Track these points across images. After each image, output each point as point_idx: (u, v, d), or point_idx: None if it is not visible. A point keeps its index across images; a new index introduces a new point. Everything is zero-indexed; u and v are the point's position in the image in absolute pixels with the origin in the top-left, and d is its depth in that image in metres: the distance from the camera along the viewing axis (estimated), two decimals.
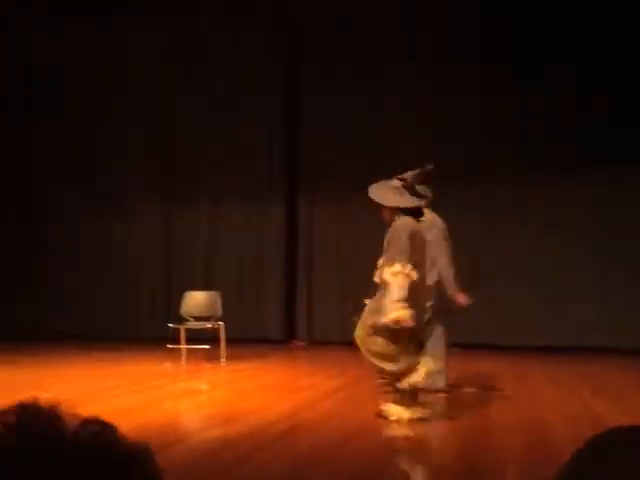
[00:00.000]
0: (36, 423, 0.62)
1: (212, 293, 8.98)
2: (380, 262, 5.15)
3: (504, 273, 9.65)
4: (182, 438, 4.89)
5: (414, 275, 4.93)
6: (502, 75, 9.71)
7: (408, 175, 5.21)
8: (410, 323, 4.86)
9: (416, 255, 5.03)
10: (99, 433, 0.63)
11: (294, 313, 10.65)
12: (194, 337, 8.64)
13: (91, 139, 11.04)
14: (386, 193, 5.21)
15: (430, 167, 5.25)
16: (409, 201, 5.16)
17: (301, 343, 10.40)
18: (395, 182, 5.19)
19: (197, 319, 8.74)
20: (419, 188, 5.27)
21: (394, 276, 4.88)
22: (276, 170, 10.68)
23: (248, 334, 10.11)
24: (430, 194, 5.49)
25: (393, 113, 9.98)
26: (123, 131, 10.93)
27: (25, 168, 11.44)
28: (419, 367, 5.08)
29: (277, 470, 4.03)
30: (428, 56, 9.80)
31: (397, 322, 4.85)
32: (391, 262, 4.95)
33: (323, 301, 10.40)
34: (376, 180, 5.43)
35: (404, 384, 5.07)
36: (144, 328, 10.48)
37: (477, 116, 9.77)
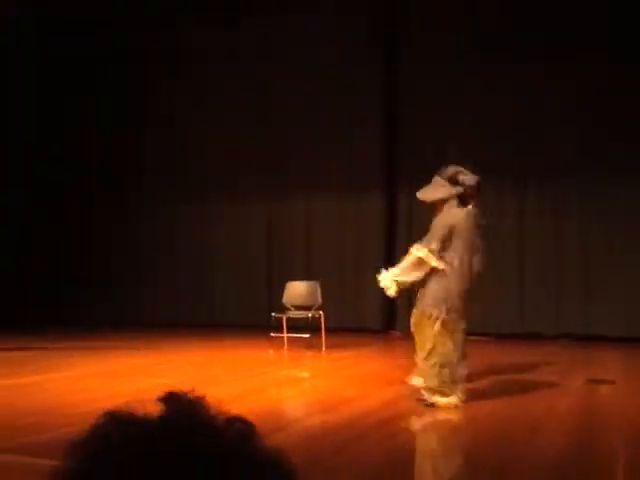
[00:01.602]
0: (187, 415, 0.64)
1: (312, 283, 9.16)
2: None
3: None
4: (284, 426, 5.05)
5: (432, 262, 5.23)
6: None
7: (451, 169, 5.45)
8: (391, 293, 5.39)
9: (461, 238, 5.27)
10: (244, 431, 0.65)
11: (393, 303, 10.67)
12: (296, 326, 8.84)
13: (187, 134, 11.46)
14: (427, 189, 5.54)
15: (477, 180, 5.44)
16: (443, 192, 5.38)
17: (399, 333, 10.43)
18: (437, 178, 5.48)
19: (298, 308, 8.94)
20: (461, 178, 5.40)
21: (411, 255, 5.31)
22: (375, 159, 10.70)
23: (347, 324, 10.24)
24: (473, 181, 5.45)
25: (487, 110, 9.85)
26: (219, 125, 11.27)
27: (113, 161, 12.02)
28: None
29: (375, 460, 4.11)
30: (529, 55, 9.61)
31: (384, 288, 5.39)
32: (424, 245, 5.31)
33: None
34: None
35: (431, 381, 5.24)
36: (249, 317, 10.82)
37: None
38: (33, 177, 12.33)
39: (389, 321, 10.60)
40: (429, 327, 5.27)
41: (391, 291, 5.41)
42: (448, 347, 5.24)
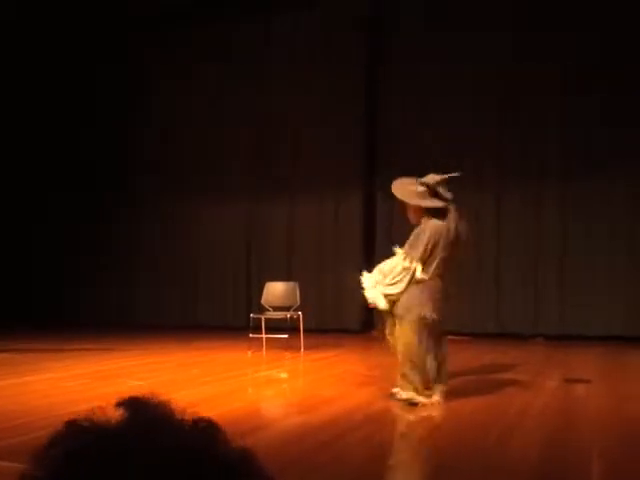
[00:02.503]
0: (150, 416, 0.64)
1: (291, 284, 9.16)
2: (401, 250, 5.44)
3: None
4: (264, 425, 5.05)
5: (420, 275, 5.26)
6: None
7: (431, 179, 5.43)
8: (373, 305, 5.41)
9: (442, 253, 5.29)
10: (207, 429, 0.65)
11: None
12: (275, 327, 8.84)
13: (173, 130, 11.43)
14: (411, 193, 5.47)
15: (458, 175, 5.48)
16: (430, 202, 5.39)
17: (377, 333, 10.46)
18: (419, 188, 5.43)
19: (277, 309, 8.94)
20: (442, 191, 5.43)
21: (400, 267, 5.31)
22: (355, 161, 10.74)
23: (326, 325, 10.27)
24: (450, 196, 5.51)
25: (469, 107, 9.92)
26: (201, 126, 11.27)
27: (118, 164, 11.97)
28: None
29: (356, 458, 4.13)
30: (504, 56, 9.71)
31: (371, 300, 5.39)
32: (405, 256, 5.33)
33: None
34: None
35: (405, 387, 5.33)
36: (228, 318, 10.82)
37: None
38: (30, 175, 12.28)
39: (367, 321, 10.63)
40: (403, 328, 5.31)
41: (381, 304, 5.38)
42: (423, 346, 5.29)
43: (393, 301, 5.38)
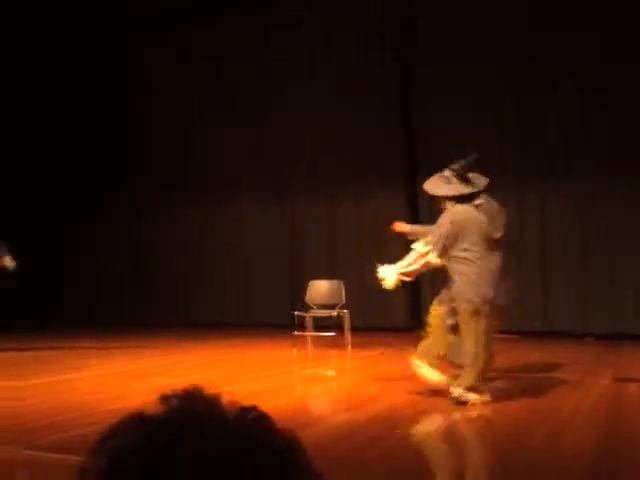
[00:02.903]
0: (199, 408, 0.65)
1: (335, 282, 9.15)
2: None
3: None
4: (312, 422, 5.07)
5: (435, 261, 5.30)
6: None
7: (456, 165, 5.45)
8: (386, 286, 5.50)
9: (471, 239, 5.26)
10: (256, 420, 0.66)
11: (418, 302, 10.64)
12: (320, 325, 8.85)
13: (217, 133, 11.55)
14: (437, 184, 5.53)
15: (473, 157, 5.50)
16: (455, 189, 5.39)
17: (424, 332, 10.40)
18: (446, 172, 5.48)
19: (321, 307, 8.95)
20: (472, 176, 5.43)
21: (415, 252, 5.41)
22: (396, 158, 10.69)
23: (372, 323, 10.24)
24: (483, 181, 5.50)
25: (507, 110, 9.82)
26: (242, 126, 11.35)
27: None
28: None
29: (403, 455, 4.12)
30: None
31: (380, 280, 5.49)
32: (427, 242, 5.37)
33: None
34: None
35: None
36: (272, 315, 10.87)
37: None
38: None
39: (414, 320, 10.57)
40: (464, 324, 5.25)
41: (387, 282, 5.53)
42: (481, 344, 5.22)
43: (402, 282, 5.56)
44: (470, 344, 5.20)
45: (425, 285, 10.53)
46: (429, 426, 4.94)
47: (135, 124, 12.09)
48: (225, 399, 0.67)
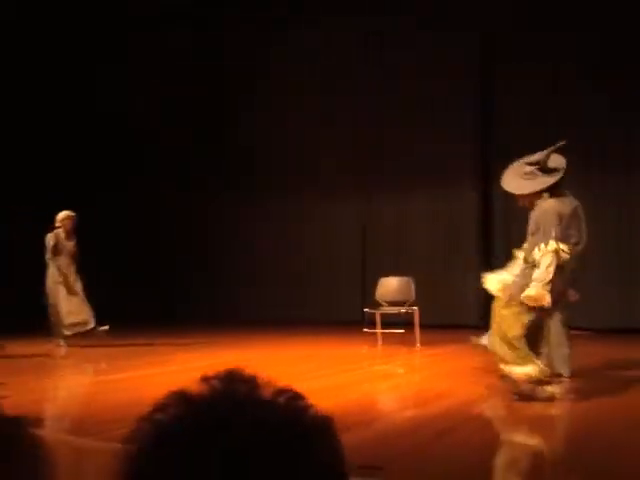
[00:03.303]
0: (239, 389, 0.70)
1: (405, 279, 9.14)
2: (526, 245, 5.16)
3: None
4: (378, 417, 5.10)
5: (565, 255, 4.94)
6: None
7: (538, 156, 5.17)
8: (546, 303, 4.89)
9: (571, 231, 5.04)
10: (292, 400, 0.70)
11: (489, 300, 10.48)
12: (389, 322, 8.85)
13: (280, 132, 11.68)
14: (519, 182, 5.22)
15: (562, 144, 5.19)
16: (542, 183, 5.11)
17: None
18: (527, 168, 5.17)
19: (391, 304, 8.95)
20: (553, 163, 5.14)
21: (545, 255, 4.93)
22: (469, 157, 10.59)
23: (442, 320, 10.16)
24: (562, 160, 5.21)
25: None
26: (312, 125, 11.45)
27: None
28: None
29: (469, 450, 4.10)
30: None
31: (534, 300, 4.93)
32: (546, 241, 4.96)
33: None
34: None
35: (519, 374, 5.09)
36: (342, 313, 10.93)
37: None
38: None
39: (486, 317, 10.43)
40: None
41: (492, 287, 5.35)
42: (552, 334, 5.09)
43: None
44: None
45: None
46: (496, 423, 4.89)
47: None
48: (262, 380, 0.72)
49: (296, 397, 0.71)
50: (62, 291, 8.93)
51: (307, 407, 0.71)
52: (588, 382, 5.87)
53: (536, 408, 5.07)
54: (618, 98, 9.45)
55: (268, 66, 11.88)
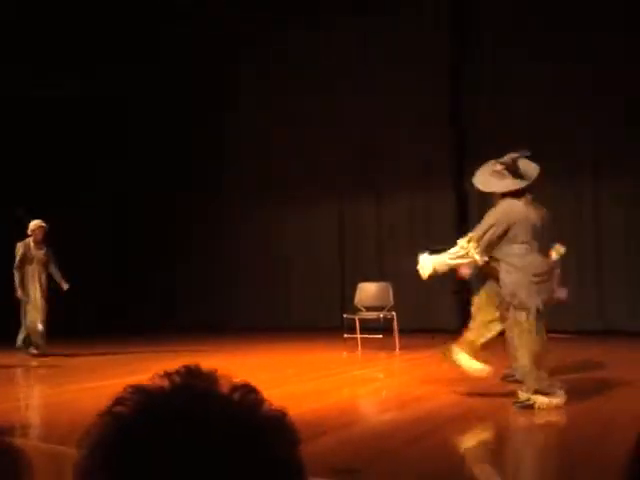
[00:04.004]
0: (197, 384, 0.72)
1: (383, 284, 9.20)
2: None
3: None
4: (358, 420, 5.12)
5: (475, 256, 5.13)
6: None
7: (508, 158, 5.24)
8: (423, 276, 5.42)
9: (521, 237, 5.08)
10: (248, 394, 0.72)
11: (467, 303, 10.55)
12: (369, 327, 8.89)
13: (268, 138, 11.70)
14: (488, 179, 5.32)
15: (525, 153, 5.30)
16: (507, 185, 5.19)
17: None
18: (498, 166, 5.27)
19: (370, 309, 9.00)
20: (524, 169, 5.22)
21: (458, 247, 5.22)
22: (443, 157, 10.66)
23: (421, 325, 10.22)
24: (534, 171, 5.28)
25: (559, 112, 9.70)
26: (285, 125, 11.45)
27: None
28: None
29: (446, 453, 4.14)
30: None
31: (420, 267, 5.45)
32: (469, 238, 5.19)
33: None
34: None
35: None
36: (322, 318, 10.94)
37: None
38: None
39: (463, 321, 10.48)
40: (515, 326, 5.10)
41: (424, 272, 5.45)
42: (540, 338, 5.07)
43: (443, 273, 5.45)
44: (523, 346, 5.06)
45: (476, 286, 10.46)
46: (473, 427, 4.93)
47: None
48: (221, 376, 0.74)
49: (252, 392, 0.73)
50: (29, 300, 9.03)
51: (262, 401, 0.73)
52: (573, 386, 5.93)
53: (515, 412, 5.11)
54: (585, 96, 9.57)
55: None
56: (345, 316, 9.04)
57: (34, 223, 9.22)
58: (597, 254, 9.76)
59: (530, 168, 5.29)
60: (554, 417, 4.93)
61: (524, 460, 4.24)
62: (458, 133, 10.62)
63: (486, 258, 5.19)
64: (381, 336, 8.86)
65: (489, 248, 5.13)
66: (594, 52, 9.41)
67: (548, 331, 5.39)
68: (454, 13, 10.62)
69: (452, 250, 5.27)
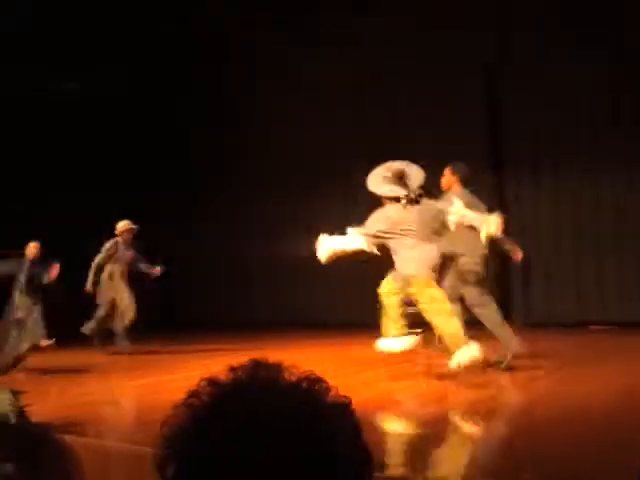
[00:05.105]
0: (261, 376, 0.76)
1: None
2: None
3: None
4: (398, 413, 5.14)
5: (364, 246, 6.07)
6: None
7: (396, 165, 6.01)
8: (319, 256, 6.21)
9: (404, 232, 5.96)
10: (313, 383, 0.77)
11: (508, 294, 10.46)
12: (408, 322, 8.84)
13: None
14: (375, 177, 6.09)
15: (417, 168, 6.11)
16: (384, 190, 6.01)
17: (516, 324, 10.24)
18: (386, 173, 6.05)
19: (411, 304, 8.93)
20: (411, 178, 5.97)
21: (352, 234, 6.08)
22: (477, 157, 10.57)
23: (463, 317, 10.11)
24: (417, 182, 6.03)
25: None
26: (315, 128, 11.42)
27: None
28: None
29: (487, 441, 4.14)
30: None
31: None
32: (359, 230, 6.07)
33: (538, 281, 10.18)
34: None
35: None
36: (359, 315, 10.91)
37: None
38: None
39: (505, 312, 10.37)
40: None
41: (322, 256, 6.20)
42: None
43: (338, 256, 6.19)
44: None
45: (515, 279, 10.36)
46: (513, 420, 4.92)
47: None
48: (287, 367, 0.79)
49: (318, 381, 0.78)
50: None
51: (328, 390, 0.77)
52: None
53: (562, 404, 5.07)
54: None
55: None
56: None
57: (122, 224, 9.13)
58: None
59: (416, 180, 5.99)
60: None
61: (559, 450, 4.22)
62: (495, 123, 10.51)
63: (374, 248, 6.03)
64: (420, 330, 8.82)
65: (376, 241, 6.03)
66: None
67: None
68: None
69: (347, 237, 6.09)
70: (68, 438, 4.24)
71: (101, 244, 9.24)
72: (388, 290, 6.24)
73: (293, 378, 0.77)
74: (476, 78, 10.57)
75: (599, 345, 8.12)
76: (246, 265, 12.23)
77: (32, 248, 8.34)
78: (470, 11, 10.33)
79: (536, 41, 9.92)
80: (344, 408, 0.77)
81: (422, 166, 6.22)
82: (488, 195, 10.40)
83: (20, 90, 10.91)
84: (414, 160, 10.42)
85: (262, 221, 12.04)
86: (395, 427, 4.66)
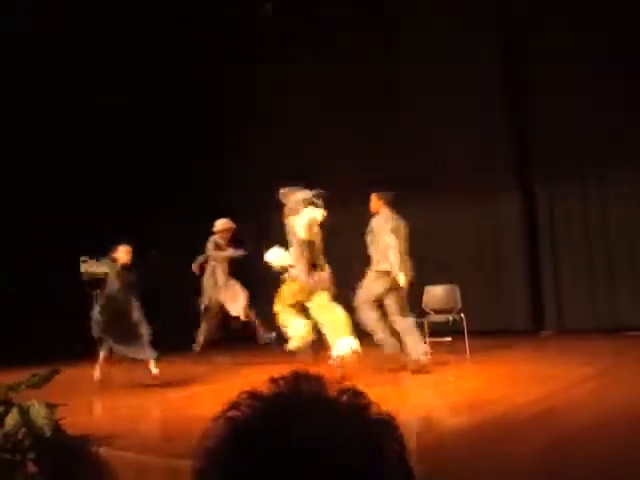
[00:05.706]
0: (303, 389, 0.75)
1: (451, 286, 9.09)
2: None
3: None
4: (430, 424, 5.10)
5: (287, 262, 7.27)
6: None
7: (301, 196, 7.01)
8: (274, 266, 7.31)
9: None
10: (355, 398, 0.75)
11: (540, 301, 10.34)
12: (437, 330, 8.81)
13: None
14: (292, 202, 7.08)
15: (319, 194, 7.06)
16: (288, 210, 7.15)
17: (546, 333, 10.12)
18: (298, 196, 7.03)
19: (438, 312, 8.91)
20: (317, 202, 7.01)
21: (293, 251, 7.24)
22: (511, 158, 10.48)
23: (492, 326, 10.05)
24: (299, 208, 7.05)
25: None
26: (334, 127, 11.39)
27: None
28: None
29: (524, 453, 4.09)
30: None
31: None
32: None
33: (571, 287, 10.05)
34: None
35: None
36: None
37: None
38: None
39: (537, 321, 10.27)
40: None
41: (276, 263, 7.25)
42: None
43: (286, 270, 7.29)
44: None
45: (547, 285, 10.24)
46: (547, 428, 4.85)
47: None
48: (326, 379, 0.77)
49: (358, 395, 0.76)
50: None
51: (369, 405, 0.75)
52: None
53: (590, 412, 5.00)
54: None
55: None
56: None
57: (222, 222, 8.82)
58: None
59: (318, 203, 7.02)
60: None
61: (601, 457, 4.15)
62: (524, 133, 10.42)
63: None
64: (450, 339, 8.77)
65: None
66: None
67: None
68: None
69: (290, 253, 7.16)
70: (104, 451, 4.29)
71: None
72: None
73: (334, 391, 0.75)
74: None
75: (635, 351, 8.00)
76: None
77: (123, 252, 7.97)
78: (469, 11, 10.35)
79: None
80: (389, 423, 0.75)
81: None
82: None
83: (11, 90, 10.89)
84: (414, 160, 10.63)
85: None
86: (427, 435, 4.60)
